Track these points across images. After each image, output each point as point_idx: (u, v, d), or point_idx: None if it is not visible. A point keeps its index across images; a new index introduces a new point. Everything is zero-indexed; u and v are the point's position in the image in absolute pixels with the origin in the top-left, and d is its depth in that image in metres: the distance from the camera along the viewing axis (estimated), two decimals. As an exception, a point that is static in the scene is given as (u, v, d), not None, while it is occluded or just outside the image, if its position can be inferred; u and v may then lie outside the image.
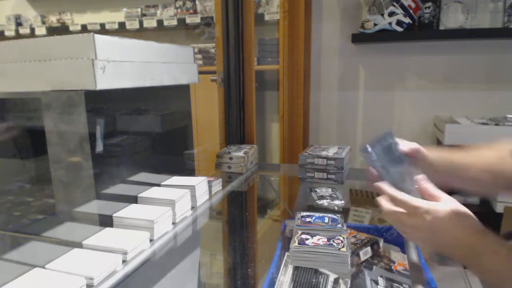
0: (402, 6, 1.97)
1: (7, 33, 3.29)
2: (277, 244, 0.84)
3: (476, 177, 0.73)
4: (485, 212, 1.89)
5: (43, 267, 0.68)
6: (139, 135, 1.00)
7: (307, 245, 0.73)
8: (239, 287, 0.76)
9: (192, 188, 1.03)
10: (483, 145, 0.77)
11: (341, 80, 2.32)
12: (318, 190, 1.22)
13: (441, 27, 2.02)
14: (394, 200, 0.64)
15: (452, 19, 2.00)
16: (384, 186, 0.66)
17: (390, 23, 1.99)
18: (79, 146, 0.81)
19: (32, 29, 3.25)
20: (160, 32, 2.97)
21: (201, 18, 2.73)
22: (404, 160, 0.70)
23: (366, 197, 1.32)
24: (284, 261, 0.77)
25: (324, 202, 1.14)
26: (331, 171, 1.32)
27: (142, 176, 1.01)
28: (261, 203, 1.35)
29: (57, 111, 0.81)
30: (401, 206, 0.63)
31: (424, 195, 0.64)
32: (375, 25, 2.02)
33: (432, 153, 0.75)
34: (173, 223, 0.94)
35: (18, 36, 3.28)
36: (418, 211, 0.60)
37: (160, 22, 2.82)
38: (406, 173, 0.68)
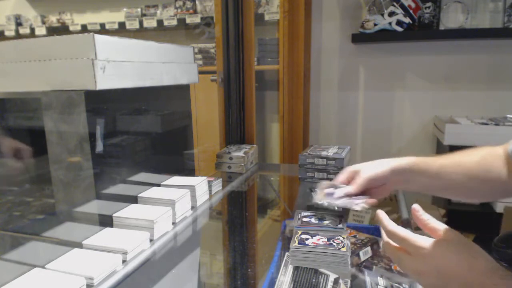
0: (402, 6, 1.97)
1: (7, 33, 3.29)
2: (277, 244, 0.84)
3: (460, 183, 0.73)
4: (485, 212, 1.89)
5: (43, 267, 0.68)
6: (139, 135, 1.00)
7: (307, 245, 0.73)
8: (239, 287, 0.76)
9: (192, 188, 1.03)
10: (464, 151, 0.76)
11: (341, 80, 2.32)
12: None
13: (441, 27, 2.02)
14: (393, 235, 0.58)
15: (452, 19, 2.00)
16: (384, 217, 0.61)
17: (390, 23, 1.99)
18: (79, 146, 0.81)
19: (32, 29, 3.25)
20: (160, 32, 2.98)
21: (201, 18, 2.73)
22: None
23: (366, 197, 1.32)
24: (284, 261, 0.77)
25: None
26: (331, 171, 1.32)
27: (142, 176, 1.01)
28: (261, 203, 1.35)
29: (57, 111, 0.81)
30: (403, 245, 0.57)
31: (424, 228, 0.58)
32: (375, 25, 2.02)
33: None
34: (173, 223, 0.94)
35: (18, 36, 3.28)
36: (422, 253, 0.54)
37: (160, 22, 2.82)
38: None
